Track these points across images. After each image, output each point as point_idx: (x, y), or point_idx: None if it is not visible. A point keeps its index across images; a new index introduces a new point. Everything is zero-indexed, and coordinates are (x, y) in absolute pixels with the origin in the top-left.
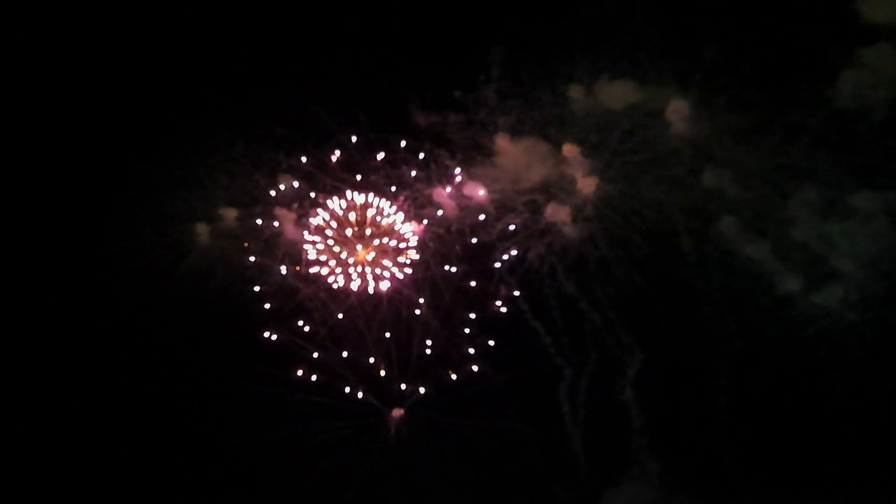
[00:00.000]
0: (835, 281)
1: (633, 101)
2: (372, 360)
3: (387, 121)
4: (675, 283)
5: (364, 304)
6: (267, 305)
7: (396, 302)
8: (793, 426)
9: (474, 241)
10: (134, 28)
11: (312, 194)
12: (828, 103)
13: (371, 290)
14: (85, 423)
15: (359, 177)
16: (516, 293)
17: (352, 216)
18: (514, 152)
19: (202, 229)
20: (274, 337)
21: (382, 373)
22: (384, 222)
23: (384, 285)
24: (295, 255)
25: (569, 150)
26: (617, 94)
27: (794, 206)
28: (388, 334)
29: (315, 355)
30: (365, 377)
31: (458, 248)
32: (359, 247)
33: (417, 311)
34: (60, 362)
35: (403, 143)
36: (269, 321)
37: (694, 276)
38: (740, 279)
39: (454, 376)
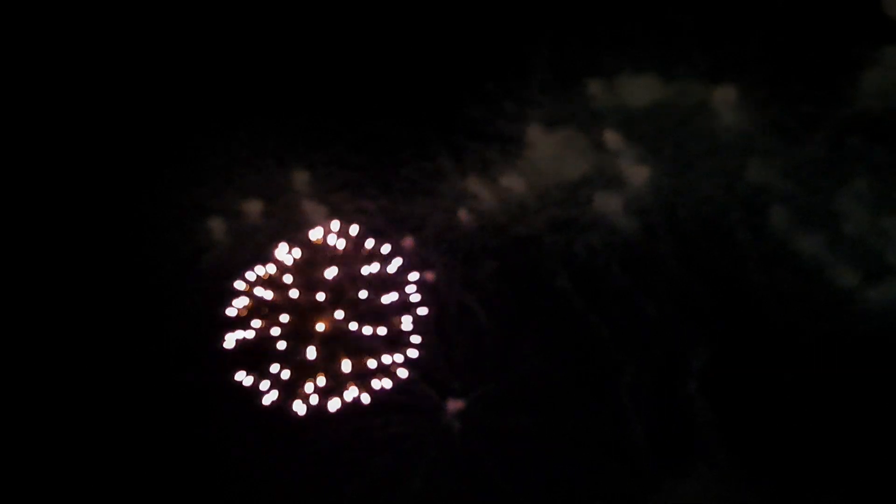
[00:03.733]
0: (891, 276)
1: (673, 94)
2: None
3: (417, 113)
4: (731, 276)
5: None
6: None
7: (445, 297)
8: (858, 420)
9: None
10: (157, 26)
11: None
12: (871, 98)
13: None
14: (105, 419)
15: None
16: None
17: None
18: (551, 143)
19: (223, 223)
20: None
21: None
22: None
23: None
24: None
25: (612, 140)
26: (658, 86)
27: (847, 200)
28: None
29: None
30: (422, 371)
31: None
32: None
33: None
34: (80, 355)
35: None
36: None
37: (750, 270)
38: (797, 273)
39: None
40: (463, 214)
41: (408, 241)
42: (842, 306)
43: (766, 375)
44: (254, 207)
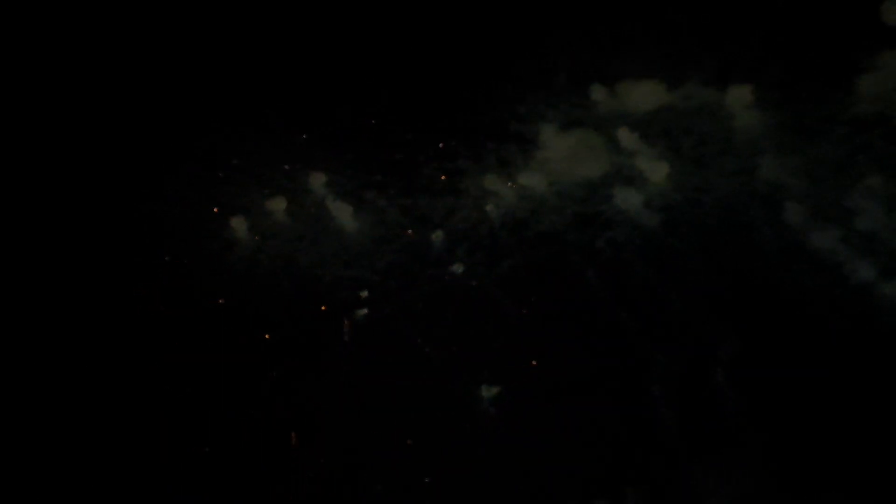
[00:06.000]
0: None
1: (687, 95)
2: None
3: (436, 112)
4: (751, 272)
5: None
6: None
7: (471, 290)
8: (879, 412)
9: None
10: (181, 25)
11: None
12: (884, 98)
13: None
14: (125, 418)
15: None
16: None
17: None
18: (568, 143)
19: (246, 222)
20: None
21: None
22: None
23: None
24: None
25: (627, 140)
26: (672, 87)
27: (861, 198)
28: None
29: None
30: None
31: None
32: None
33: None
34: (98, 356)
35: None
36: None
37: (770, 266)
38: (815, 269)
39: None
40: (486, 211)
41: None
42: (860, 301)
43: (789, 368)
44: (277, 206)
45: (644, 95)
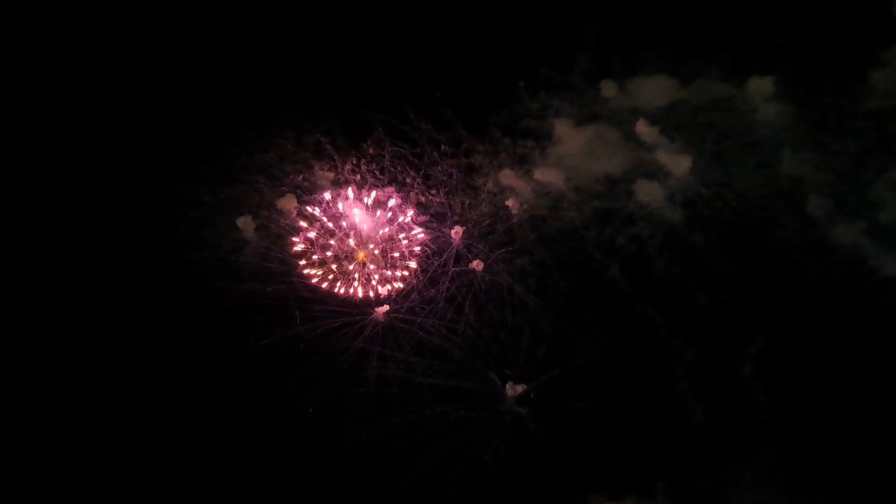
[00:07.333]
0: None
1: (703, 89)
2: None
3: (450, 110)
4: (775, 265)
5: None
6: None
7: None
8: None
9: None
10: (192, 26)
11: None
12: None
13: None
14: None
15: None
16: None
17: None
18: (583, 139)
19: (259, 221)
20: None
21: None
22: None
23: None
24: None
25: (646, 133)
26: (687, 82)
27: (884, 190)
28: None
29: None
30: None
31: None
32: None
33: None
34: (98, 357)
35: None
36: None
37: (795, 260)
38: (840, 262)
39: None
40: (504, 208)
41: None
42: (886, 294)
43: (814, 361)
44: (289, 205)
45: (656, 91)
